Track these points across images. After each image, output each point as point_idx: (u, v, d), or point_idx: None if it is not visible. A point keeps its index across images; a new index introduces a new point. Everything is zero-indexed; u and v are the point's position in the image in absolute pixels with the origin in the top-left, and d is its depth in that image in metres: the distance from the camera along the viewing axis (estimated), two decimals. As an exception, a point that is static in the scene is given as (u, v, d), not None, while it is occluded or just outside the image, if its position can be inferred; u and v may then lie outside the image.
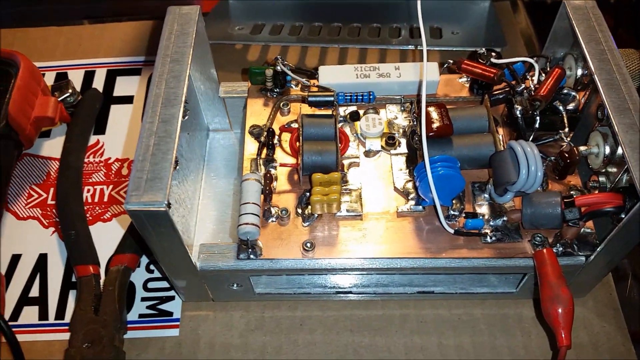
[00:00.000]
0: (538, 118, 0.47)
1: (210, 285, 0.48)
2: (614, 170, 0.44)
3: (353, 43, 0.71)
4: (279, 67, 0.52)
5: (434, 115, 0.46)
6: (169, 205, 0.37)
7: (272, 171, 0.48)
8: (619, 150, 0.42)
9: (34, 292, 0.53)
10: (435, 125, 0.46)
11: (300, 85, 0.54)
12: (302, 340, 0.49)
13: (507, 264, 0.44)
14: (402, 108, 0.53)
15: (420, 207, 0.46)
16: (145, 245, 0.42)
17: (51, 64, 0.70)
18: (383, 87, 0.53)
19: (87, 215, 0.57)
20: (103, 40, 0.73)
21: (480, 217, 0.45)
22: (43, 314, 0.51)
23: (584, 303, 0.51)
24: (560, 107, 0.48)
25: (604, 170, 0.45)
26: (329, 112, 0.51)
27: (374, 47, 0.71)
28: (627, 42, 0.59)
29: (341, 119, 0.52)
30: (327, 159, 0.47)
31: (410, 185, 0.48)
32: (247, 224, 0.43)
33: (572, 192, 0.46)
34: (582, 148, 0.45)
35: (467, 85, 0.54)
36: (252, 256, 0.45)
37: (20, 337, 0.48)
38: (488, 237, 0.45)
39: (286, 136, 0.51)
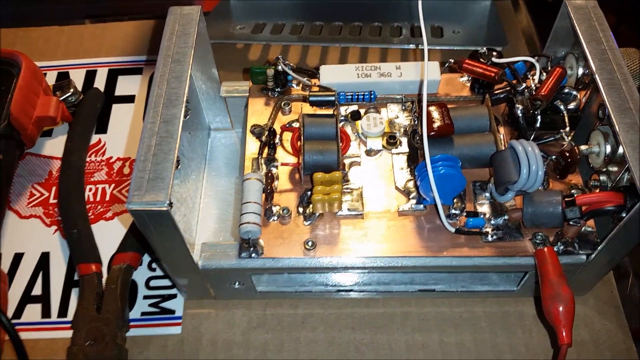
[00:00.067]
0: (539, 117, 0.47)
1: (212, 284, 0.48)
2: (615, 169, 0.44)
3: (354, 42, 0.71)
4: (280, 67, 0.52)
5: (435, 114, 0.46)
6: (170, 204, 0.37)
7: (274, 170, 0.49)
8: (620, 150, 0.42)
9: (37, 290, 0.53)
10: (436, 125, 0.46)
11: (301, 85, 0.54)
12: (304, 338, 0.50)
13: (508, 263, 0.44)
14: (403, 107, 0.53)
15: (422, 206, 0.47)
16: (147, 243, 0.42)
17: (53, 64, 0.70)
18: (384, 87, 0.53)
19: (89, 214, 0.57)
20: (104, 40, 0.73)
21: (481, 216, 0.46)
22: (46, 312, 0.52)
23: (585, 301, 0.51)
24: (561, 107, 0.48)
25: (604, 170, 0.45)
26: (330, 111, 0.51)
27: (375, 46, 0.71)
28: (629, 40, 0.59)
29: (342, 118, 0.52)
30: (328, 158, 0.47)
31: (411, 184, 0.48)
32: (248, 223, 0.44)
33: (573, 191, 0.46)
34: (583, 147, 0.45)
35: (468, 84, 0.54)
36: (253, 255, 0.45)
37: (23, 335, 0.48)
38: (489, 236, 0.45)
39: (287, 135, 0.51)
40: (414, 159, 0.49)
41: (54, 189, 0.60)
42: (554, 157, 0.47)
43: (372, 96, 0.51)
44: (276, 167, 0.49)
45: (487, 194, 0.47)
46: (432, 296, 0.51)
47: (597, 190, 0.45)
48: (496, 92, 0.51)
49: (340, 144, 0.48)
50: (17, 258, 0.55)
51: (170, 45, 0.46)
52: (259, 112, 0.53)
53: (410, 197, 0.47)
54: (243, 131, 0.56)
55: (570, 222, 0.43)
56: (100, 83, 0.68)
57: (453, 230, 0.45)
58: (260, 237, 0.45)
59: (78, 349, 0.46)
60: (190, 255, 0.43)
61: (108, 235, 0.55)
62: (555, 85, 0.47)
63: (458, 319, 0.50)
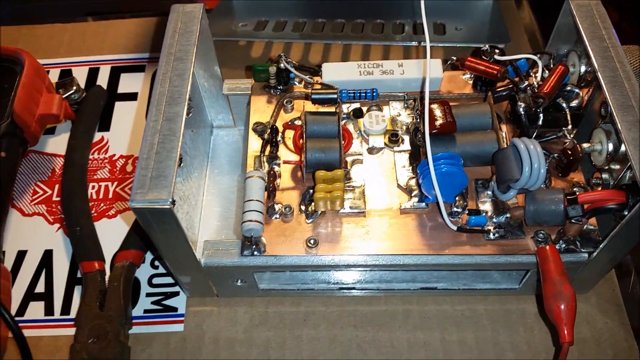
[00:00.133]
0: (541, 115, 0.47)
1: (215, 281, 0.48)
2: (617, 167, 0.44)
3: (356, 39, 0.71)
4: (282, 65, 0.52)
5: (437, 112, 0.46)
6: (173, 202, 0.37)
7: (276, 168, 0.49)
8: (622, 148, 0.42)
9: (40, 287, 0.53)
10: (438, 123, 0.46)
11: (303, 83, 0.54)
12: (306, 336, 0.50)
13: (509, 261, 0.44)
14: (406, 105, 0.53)
15: (424, 204, 0.47)
16: (150, 241, 0.42)
17: (55, 61, 0.70)
18: (386, 84, 0.53)
19: (92, 211, 0.57)
20: (107, 37, 0.73)
21: (483, 214, 0.46)
22: (49, 310, 0.52)
23: (587, 299, 0.51)
24: (564, 104, 0.48)
25: (607, 167, 0.45)
26: (332, 109, 0.51)
27: (377, 43, 0.71)
28: (632, 37, 0.59)
29: (344, 116, 0.52)
30: (330, 156, 0.47)
31: (413, 182, 0.48)
32: (250, 220, 0.44)
33: (575, 189, 0.46)
34: (585, 145, 0.45)
35: (471, 82, 0.54)
36: (256, 253, 0.45)
37: (27, 332, 0.48)
38: (491, 234, 0.45)
39: (289, 133, 0.51)
40: (416, 157, 0.49)
41: (57, 186, 0.60)
42: (556, 155, 0.47)
43: (375, 94, 0.51)
44: (278, 164, 0.49)
45: (489, 192, 0.47)
46: (434, 294, 0.51)
47: (599, 188, 0.45)
48: (498, 89, 0.51)
49: (343, 142, 0.48)
50: (21, 256, 0.55)
51: (172, 43, 0.46)
52: (261, 109, 0.53)
53: (412, 195, 0.47)
54: (245, 129, 0.56)
55: (572, 220, 0.43)
56: (103, 81, 0.68)
57: (455, 228, 0.45)
58: (262, 235, 0.45)
59: (81, 346, 0.46)
60: (193, 253, 0.43)
61: (111, 233, 0.55)
62: (557, 83, 0.47)
63: (460, 316, 0.50)
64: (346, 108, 0.52)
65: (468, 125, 0.48)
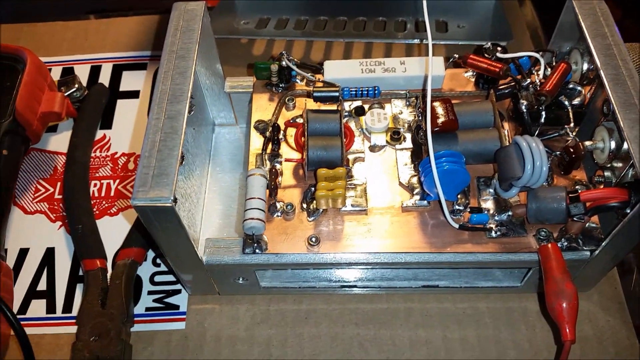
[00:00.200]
0: (543, 113, 0.47)
1: (216, 279, 0.48)
2: (620, 165, 0.44)
3: (358, 37, 0.71)
4: (284, 62, 0.52)
5: (440, 110, 0.46)
6: (175, 200, 0.37)
7: (278, 166, 0.49)
8: (625, 146, 0.41)
9: (42, 285, 0.53)
10: (440, 120, 0.46)
11: (305, 80, 0.54)
12: (308, 333, 0.50)
13: (511, 259, 0.44)
14: (408, 103, 0.53)
15: (425, 202, 0.46)
16: (152, 239, 0.42)
17: (57, 59, 0.71)
18: (388, 82, 0.53)
19: (94, 209, 0.57)
20: (109, 35, 0.73)
21: (485, 212, 0.46)
22: (51, 308, 0.52)
23: (589, 297, 0.51)
24: (566, 102, 0.48)
25: (609, 165, 0.45)
26: (334, 107, 0.51)
27: (379, 41, 0.71)
28: (634, 34, 0.59)
29: (346, 114, 0.52)
30: (332, 154, 0.47)
31: (415, 180, 0.48)
32: (252, 218, 0.44)
33: (577, 187, 0.46)
34: (587, 143, 0.45)
35: (473, 79, 0.54)
36: (257, 251, 0.45)
37: (29, 330, 0.48)
38: (493, 232, 0.45)
39: (291, 131, 0.51)
40: (418, 155, 0.49)
41: (59, 184, 0.60)
42: (558, 152, 0.47)
43: (376, 92, 0.51)
44: (280, 162, 0.49)
45: (491, 190, 0.47)
46: (436, 292, 0.51)
47: (602, 186, 0.45)
48: (501, 87, 0.50)
49: (344, 140, 0.48)
50: (23, 253, 0.55)
51: (174, 40, 0.46)
52: (263, 107, 0.53)
53: (414, 193, 0.47)
54: (247, 127, 0.56)
55: (575, 218, 0.42)
56: (105, 78, 0.68)
57: (457, 226, 0.45)
58: (264, 232, 0.45)
59: (83, 344, 0.46)
60: (195, 250, 0.43)
61: (113, 231, 0.55)
62: (559, 81, 0.47)
63: (461, 314, 0.50)
64: (348, 106, 0.52)
65: (470, 123, 0.48)
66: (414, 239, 0.45)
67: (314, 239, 0.45)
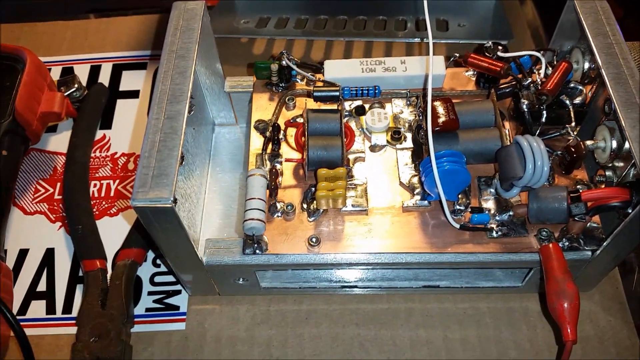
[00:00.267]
0: (544, 112, 0.47)
1: (216, 280, 0.48)
2: (621, 164, 0.44)
3: (359, 36, 0.71)
4: (284, 62, 0.52)
5: (440, 109, 0.46)
6: (175, 201, 0.37)
7: (278, 166, 0.49)
8: (626, 145, 0.41)
9: (42, 286, 0.53)
10: (441, 120, 0.45)
11: (305, 80, 0.53)
12: (308, 334, 0.50)
13: (513, 259, 0.44)
14: (408, 102, 0.52)
15: (426, 202, 0.46)
16: (152, 239, 0.42)
17: (57, 59, 0.70)
18: (389, 81, 0.52)
19: (94, 209, 0.57)
20: (109, 35, 0.73)
21: (486, 212, 0.45)
22: (50, 308, 0.52)
23: (590, 297, 0.51)
24: (567, 101, 0.47)
25: (610, 165, 0.45)
26: (335, 106, 0.51)
27: (379, 40, 0.71)
28: (635, 33, 0.59)
29: (347, 113, 0.52)
30: (332, 154, 0.47)
31: (415, 180, 0.48)
32: (252, 219, 0.44)
33: (578, 187, 0.46)
34: (588, 142, 0.45)
35: (474, 79, 0.54)
36: (257, 251, 0.45)
37: (28, 331, 0.48)
38: (494, 232, 0.45)
39: (291, 131, 0.51)
40: (419, 155, 0.48)
41: (58, 184, 0.60)
42: (559, 152, 0.47)
43: (377, 91, 0.51)
44: (280, 162, 0.49)
45: (492, 190, 0.47)
46: (437, 292, 0.51)
47: (603, 186, 0.45)
48: (502, 86, 0.50)
49: (345, 140, 0.48)
50: (22, 254, 0.55)
51: (174, 40, 0.46)
52: (263, 107, 0.53)
53: (415, 192, 0.47)
54: (247, 126, 0.56)
55: (576, 218, 0.42)
56: (104, 78, 0.68)
57: (458, 226, 0.44)
58: (264, 233, 0.45)
59: (82, 345, 0.46)
60: (195, 251, 0.43)
61: (113, 231, 0.55)
62: (561, 80, 0.47)
63: (462, 315, 0.50)
64: (348, 105, 0.52)
65: (471, 122, 0.47)
66: (414, 239, 0.45)
67: (314, 240, 0.45)
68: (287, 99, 0.52)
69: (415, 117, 0.51)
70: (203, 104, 0.54)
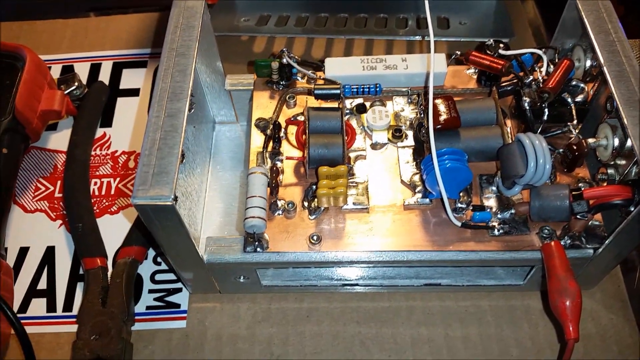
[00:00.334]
0: (546, 110, 0.46)
1: (217, 278, 0.48)
2: (623, 162, 0.44)
3: (359, 34, 0.71)
4: (285, 60, 0.52)
5: (442, 107, 0.46)
6: (175, 199, 0.37)
7: (279, 164, 0.48)
8: (628, 143, 0.41)
9: (42, 284, 0.53)
10: (442, 118, 0.45)
11: (306, 78, 0.53)
12: (309, 332, 0.50)
13: (514, 257, 0.44)
14: (409, 100, 0.52)
15: (427, 199, 0.46)
16: (152, 237, 0.42)
17: (57, 57, 0.70)
18: (390, 79, 0.52)
19: (94, 207, 0.57)
20: (109, 33, 0.73)
21: (488, 210, 0.45)
22: (51, 306, 0.52)
23: (592, 295, 0.51)
24: (569, 99, 0.47)
25: (612, 163, 0.45)
26: (336, 104, 0.51)
27: (380, 37, 0.70)
28: (637, 31, 0.59)
29: (347, 111, 0.52)
30: (333, 151, 0.47)
31: (417, 178, 0.48)
32: (253, 217, 0.44)
33: (580, 185, 0.46)
34: (590, 140, 0.45)
35: (475, 76, 0.54)
36: (258, 249, 0.45)
37: (29, 329, 0.48)
38: (495, 230, 0.45)
39: (292, 129, 0.51)
40: (420, 153, 0.48)
41: (59, 183, 0.60)
42: (561, 150, 0.47)
43: (378, 89, 0.51)
44: (281, 160, 0.49)
45: (494, 188, 0.47)
46: (438, 290, 0.51)
47: (605, 184, 0.45)
48: (503, 84, 0.50)
49: (346, 138, 0.48)
50: (23, 252, 0.55)
51: (174, 38, 0.46)
52: (263, 105, 0.53)
53: (416, 191, 0.47)
54: (248, 124, 0.56)
55: (578, 216, 0.42)
56: (105, 76, 0.68)
57: (459, 224, 0.44)
58: (265, 231, 0.45)
59: (83, 343, 0.46)
60: (196, 249, 0.43)
61: (113, 229, 0.55)
62: (562, 78, 0.47)
63: (464, 313, 0.50)
64: (349, 103, 0.52)
65: (472, 120, 0.47)
66: (416, 237, 0.45)
67: (315, 238, 0.45)
68: (287, 97, 0.52)
69: (417, 115, 0.51)
70: (203, 102, 0.54)
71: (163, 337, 0.50)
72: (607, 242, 0.42)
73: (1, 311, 0.46)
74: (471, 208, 0.45)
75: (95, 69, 0.69)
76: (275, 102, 0.52)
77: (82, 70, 0.68)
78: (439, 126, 0.45)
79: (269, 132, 0.50)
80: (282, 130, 0.50)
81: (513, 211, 0.45)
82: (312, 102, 0.51)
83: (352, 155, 0.49)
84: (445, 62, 0.52)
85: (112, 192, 0.59)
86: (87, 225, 0.54)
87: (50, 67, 0.67)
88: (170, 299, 0.52)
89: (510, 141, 0.45)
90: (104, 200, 0.58)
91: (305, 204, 0.47)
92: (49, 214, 0.58)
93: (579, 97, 0.48)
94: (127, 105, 0.66)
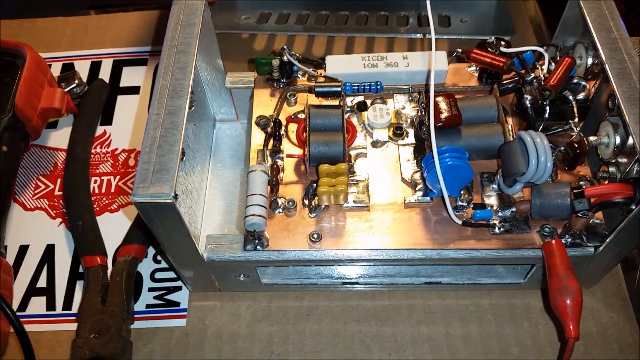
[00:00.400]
0: (548, 108, 0.46)
1: (217, 276, 0.48)
2: (624, 160, 0.43)
3: (360, 32, 0.71)
4: (285, 57, 0.51)
5: (443, 105, 0.46)
6: (175, 197, 0.37)
7: (279, 162, 0.48)
8: (630, 141, 0.41)
9: (42, 282, 0.53)
10: (443, 116, 0.45)
11: (307, 76, 0.53)
12: (309, 330, 0.50)
13: (515, 255, 0.44)
14: (410, 98, 0.52)
15: (428, 198, 0.46)
16: (153, 236, 0.42)
17: (57, 55, 0.70)
18: (391, 77, 0.52)
19: (94, 206, 0.57)
20: (109, 31, 0.73)
21: (489, 208, 0.45)
22: (50, 305, 0.52)
23: (593, 293, 0.50)
24: (570, 97, 0.47)
25: (614, 161, 0.45)
26: (336, 102, 0.51)
27: (381, 35, 0.70)
28: (637, 29, 0.58)
29: (348, 109, 0.52)
30: (334, 149, 0.47)
31: (417, 176, 0.47)
32: (253, 215, 0.43)
33: (581, 183, 0.46)
34: (592, 138, 0.45)
35: (476, 74, 0.53)
36: (258, 247, 0.45)
37: (28, 328, 0.48)
38: (496, 228, 0.45)
39: (293, 127, 0.51)
40: (421, 151, 0.48)
41: (59, 181, 0.60)
42: (562, 148, 0.46)
43: (379, 87, 0.51)
44: (282, 158, 0.49)
45: (495, 186, 0.46)
46: (438, 289, 0.51)
47: (606, 182, 0.45)
48: (504, 82, 0.50)
49: (346, 136, 0.48)
50: (22, 250, 0.55)
51: (175, 35, 0.46)
52: (264, 103, 0.53)
53: (417, 188, 0.47)
54: (248, 122, 0.56)
55: (579, 214, 0.42)
56: (105, 74, 0.68)
57: (460, 222, 0.44)
58: (265, 229, 0.45)
59: (83, 341, 0.46)
60: (196, 247, 0.43)
61: (113, 227, 0.55)
62: (564, 75, 0.47)
63: (464, 311, 0.50)
64: (350, 101, 0.52)
65: (474, 118, 0.47)
66: (416, 235, 0.45)
67: (315, 236, 0.45)
68: (288, 94, 0.52)
69: (418, 112, 0.51)
70: (204, 99, 0.54)
71: (163, 336, 0.50)
72: (608, 240, 0.42)
73: (1, 309, 0.46)
74: (472, 206, 0.45)
75: (95, 67, 0.69)
76: (275, 100, 0.52)
77: (82, 68, 0.68)
78: (440, 124, 0.45)
79: (269, 129, 0.50)
80: (283, 128, 0.50)
81: (514, 209, 0.45)
82: (313, 99, 0.51)
83: (353, 153, 0.49)
84: (446, 60, 0.52)
85: (112, 190, 0.59)
86: (87, 223, 0.53)
87: (50, 65, 0.67)
88: (170, 297, 0.52)
89: (512, 139, 0.45)
90: (104, 198, 0.58)
91: (306, 202, 0.47)
92: (48, 212, 0.57)
93: (581, 95, 0.48)
94: (127, 103, 0.66)
